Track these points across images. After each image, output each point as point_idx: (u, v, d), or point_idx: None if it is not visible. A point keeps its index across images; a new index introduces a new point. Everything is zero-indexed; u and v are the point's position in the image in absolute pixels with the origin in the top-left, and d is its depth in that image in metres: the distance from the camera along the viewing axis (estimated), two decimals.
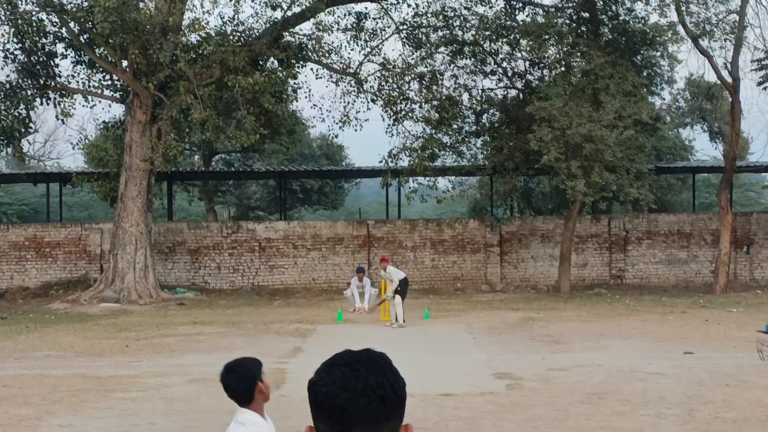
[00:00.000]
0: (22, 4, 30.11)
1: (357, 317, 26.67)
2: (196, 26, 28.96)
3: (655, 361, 17.44)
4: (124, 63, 30.46)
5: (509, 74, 34.95)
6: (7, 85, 32.12)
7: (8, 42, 31.28)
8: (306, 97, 39.65)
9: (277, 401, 13.90)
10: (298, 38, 32.87)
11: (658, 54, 46.36)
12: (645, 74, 34.88)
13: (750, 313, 26.35)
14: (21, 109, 32.41)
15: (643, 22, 34.19)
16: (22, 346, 21.14)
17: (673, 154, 52.75)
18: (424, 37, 33.92)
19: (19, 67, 32.00)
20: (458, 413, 13.09)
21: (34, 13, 30.25)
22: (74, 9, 29.05)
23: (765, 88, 33.27)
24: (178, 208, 61.18)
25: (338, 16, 33.45)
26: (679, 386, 14.85)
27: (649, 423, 12.29)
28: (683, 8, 31.53)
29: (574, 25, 34.24)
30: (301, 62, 32.78)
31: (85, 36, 30.66)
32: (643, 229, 36.63)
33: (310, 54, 32.73)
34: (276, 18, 32.04)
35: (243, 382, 5.70)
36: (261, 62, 31.27)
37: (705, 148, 54.32)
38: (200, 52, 30.44)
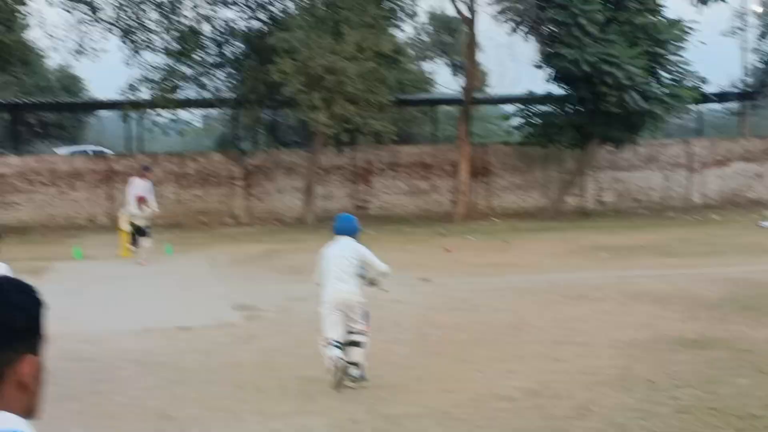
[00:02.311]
0: None
1: (95, 252, 25.81)
2: None
3: (393, 288, 17.73)
4: None
5: (252, 5, 34.43)
6: None
7: None
8: (39, 26, 37.75)
9: None
10: None
11: None
12: (387, 7, 35.10)
13: (486, 239, 27.31)
14: None
15: None
16: None
17: (416, 87, 53.76)
18: None
19: None
20: (194, 346, 12.92)
21: None
22: None
23: (500, 22, 34.15)
24: None
25: None
26: (413, 311, 15.20)
27: (383, 347, 12.47)
28: None
29: None
30: None
31: None
32: (386, 160, 37.17)
33: None
34: None
35: None
36: None
37: (447, 82, 55.58)
38: None
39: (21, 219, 34.19)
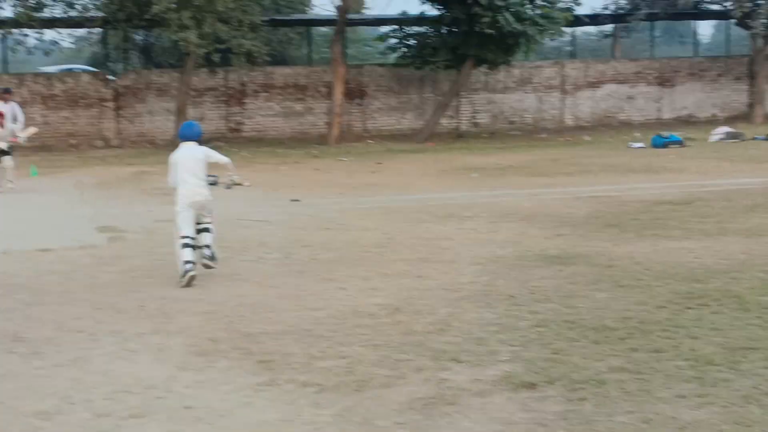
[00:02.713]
0: None
1: None
2: None
3: (262, 209, 17.64)
4: None
5: None
6: None
7: None
8: None
9: None
10: None
11: None
12: None
13: (359, 161, 27.29)
14: None
15: None
16: None
17: (292, 8, 53.09)
18: None
19: None
20: (54, 267, 12.62)
21: None
22: None
23: None
24: None
25: None
26: (281, 232, 15.11)
27: (247, 267, 12.39)
28: None
29: None
30: None
31: None
32: (259, 82, 36.68)
33: None
34: None
35: None
36: None
37: (325, 3, 55.17)
38: None
39: None
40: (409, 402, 7.03)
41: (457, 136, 36.53)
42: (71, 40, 34.51)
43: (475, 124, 38.61)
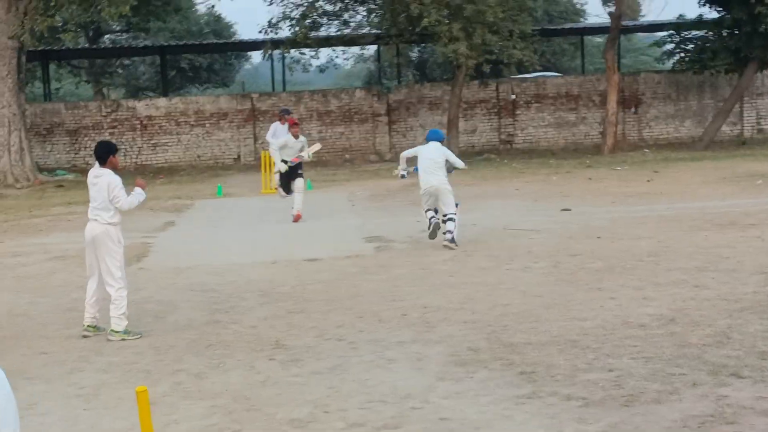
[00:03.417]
0: None
1: (237, 190, 25.92)
2: None
3: (531, 218, 17.19)
4: None
5: None
6: None
7: None
8: None
9: (134, 273, 13.38)
10: None
11: None
12: None
13: (634, 170, 26.31)
14: None
15: None
16: None
17: (565, 18, 52.47)
18: None
19: None
20: (319, 276, 12.67)
21: None
22: None
23: None
24: (67, 93, 59.44)
25: None
26: (549, 240, 14.60)
27: (512, 276, 11.98)
28: None
29: None
30: None
31: None
32: (531, 92, 36.24)
33: None
34: None
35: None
36: None
37: (599, 13, 54.04)
38: None
39: (169, 160, 34.70)
40: (683, 420, 6.44)
41: (740, 143, 34.74)
42: (346, 56, 35.10)
43: (760, 130, 36.61)
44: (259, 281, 12.50)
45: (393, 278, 12.24)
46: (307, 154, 18.61)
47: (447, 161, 15.07)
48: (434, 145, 15.17)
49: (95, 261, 10.07)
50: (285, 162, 18.60)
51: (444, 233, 14.46)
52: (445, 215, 14.65)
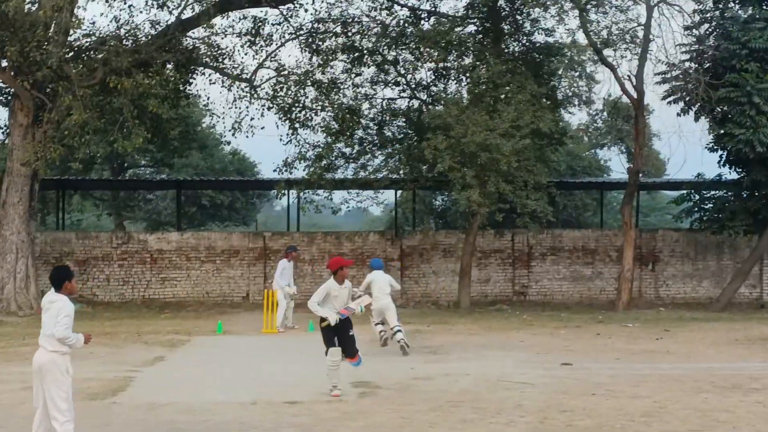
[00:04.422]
0: None
1: (239, 328, 25.44)
2: (75, 23, 27.61)
3: (528, 371, 16.57)
4: (5, 63, 29.08)
5: (412, 85, 34.03)
6: None
7: None
8: (205, 105, 38.19)
9: (106, 407, 12.89)
10: (191, 41, 31.71)
11: (576, 74, 45.98)
12: (550, 85, 34.17)
13: (646, 328, 25.65)
14: None
15: (548, 34, 33.68)
16: None
17: (588, 173, 52.52)
18: (321, 44, 32.93)
19: None
20: (296, 420, 12.11)
21: None
22: None
23: (669, 103, 32.75)
24: (90, 224, 59.71)
25: (233, 20, 32.37)
26: (542, 395, 13.97)
27: (495, 430, 11.35)
28: (584, 15, 31.00)
29: (481, 36, 33.54)
30: (192, 66, 31.54)
31: None
32: (547, 244, 35.90)
33: (201, 58, 31.56)
34: (168, 21, 30.90)
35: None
36: (152, 66, 29.83)
37: (623, 170, 53.98)
38: (83, 51, 29.27)
39: (177, 294, 34.35)
40: None
41: (759, 306, 34.08)
42: (359, 200, 34.93)
43: None
44: (231, 422, 11.94)
45: (370, 426, 11.66)
46: (358, 308, 15.11)
47: (390, 285, 20.26)
48: (381, 273, 20.45)
49: (41, 391, 9.59)
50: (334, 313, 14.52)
51: (398, 341, 19.24)
52: (392, 328, 19.65)
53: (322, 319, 14.41)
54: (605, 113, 56.27)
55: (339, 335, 14.43)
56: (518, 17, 33.20)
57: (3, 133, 32.92)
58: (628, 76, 32.59)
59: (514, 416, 12.30)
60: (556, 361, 18.10)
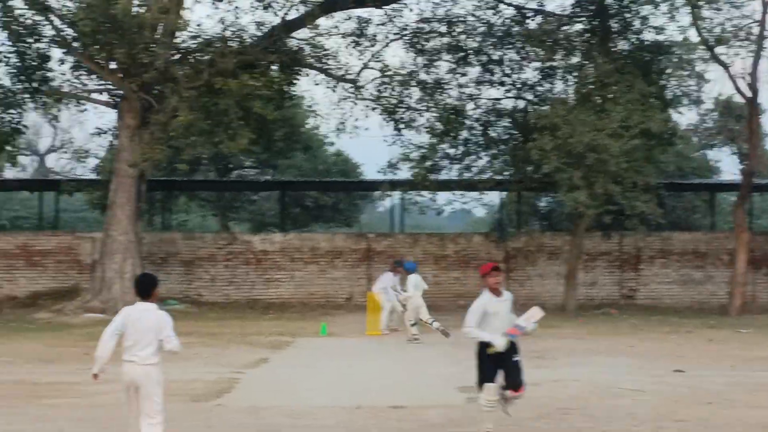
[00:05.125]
0: (13, 4, 29.09)
1: (343, 329, 25.32)
2: (182, 25, 27.84)
3: (639, 378, 16.06)
4: (113, 65, 29.44)
5: (518, 84, 33.58)
6: (0, 89, 31.30)
7: (1, 44, 30.48)
8: (309, 106, 38.24)
9: (209, 410, 12.81)
10: (296, 42, 31.73)
11: (686, 73, 44.93)
12: (660, 85, 33.36)
13: (761, 333, 24.84)
14: (13, 114, 31.63)
15: (659, 31, 32.89)
16: None
17: (698, 174, 51.26)
18: (426, 44, 32.71)
19: (13, 71, 31.09)
20: (401, 425, 11.87)
21: (28, 16, 29.21)
22: (59, 7, 28.14)
23: None
24: (196, 225, 60.37)
25: (337, 21, 32.33)
26: (654, 403, 13.49)
27: None
28: (697, 12, 30.14)
29: (588, 34, 32.92)
30: (297, 67, 31.57)
31: (71, 35, 29.63)
32: (656, 247, 35.12)
33: (306, 58, 31.57)
34: (273, 23, 30.97)
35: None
36: (257, 67, 29.94)
37: (735, 171, 52.42)
38: (190, 53, 29.52)
39: (281, 295, 34.42)
40: None
41: None
42: (464, 201, 34.60)
43: None
44: (334, 427, 11.73)
45: None
46: (530, 326, 11.64)
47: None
48: (417, 275, 23.66)
49: (135, 403, 9.37)
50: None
51: (437, 328, 22.33)
52: (427, 320, 22.82)
53: (483, 344, 11.11)
54: (716, 113, 54.95)
55: (502, 362, 11.21)
56: (627, 15, 32.45)
57: (111, 134, 33.35)
58: (742, 74, 31.69)
59: (627, 425, 11.87)
60: (668, 367, 17.55)
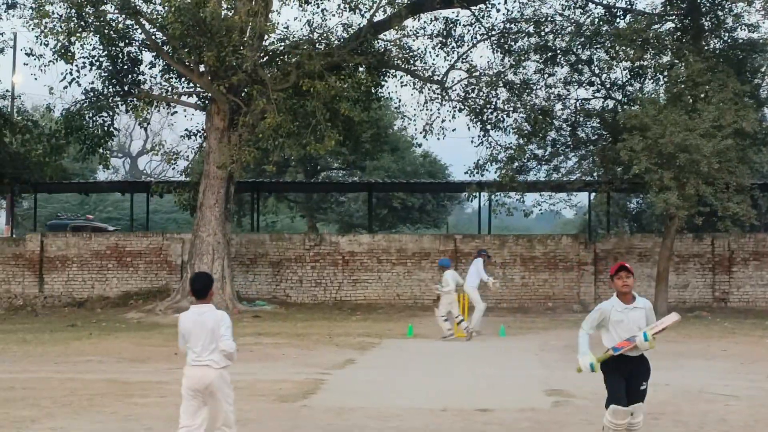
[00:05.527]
0: (106, 8, 29.59)
1: (429, 331, 25.22)
2: (269, 28, 28.07)
3: (732, 383, 15.70)
4: (203, 68, 29.83)
5: (607, 84, 33.20)
6: (92, 93, 31.91)
7: (93, 49, 31.07)
8: (396, 108, 38.33)
9: (296, 411, 12.84)
10: (383, 43, 31.82)
11: None
12: (754, 83, 32.70)
13: None
14: (105, 117, 32.28)
15: (752, 29, 32.26)
16: (70, 351, 20.48)
17: None
18: (513, 44, 32.56)
19: (104, 74, 31.71)
20: (488, 429, 11.72)
21: (120, 20, 29.73)
22: (149, 11, 28.60)
23: None
24: (284, 226, 60.95)
25: (424, 22, 32.33)
26: (748, 409, 13.15)
27: None
28: None
29: (679, 33, 32.40)
30: (384, 68, 31.64)
31: (160, 38, 30.09)
32: (750, 249, 34.42)
33: (393, 60, 31.61)
34: (360, 24, 31.10)
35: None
36: (344, 69, 30.10)
37: None
38: (277, 55, 29.78)
39: (369, 296, 34.49)
40: None
41: None
42: (552, 202, 34.29)
43: None
44: (420, 430, 11.65)
45: None
46: (639, 337, 9.94)
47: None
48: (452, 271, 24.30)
49: (201, 409, 9.30)
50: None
51: (465, 329, 23.05)
52: (456, 317, 23.48)
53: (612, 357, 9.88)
54: None
55: (627, 383, 9.90)
56: (720, 12, 31.90)
57: (200, 137, 33.77)
58: None
59: (718, 430, 11.59)
60: (763, 372, 17.16)
